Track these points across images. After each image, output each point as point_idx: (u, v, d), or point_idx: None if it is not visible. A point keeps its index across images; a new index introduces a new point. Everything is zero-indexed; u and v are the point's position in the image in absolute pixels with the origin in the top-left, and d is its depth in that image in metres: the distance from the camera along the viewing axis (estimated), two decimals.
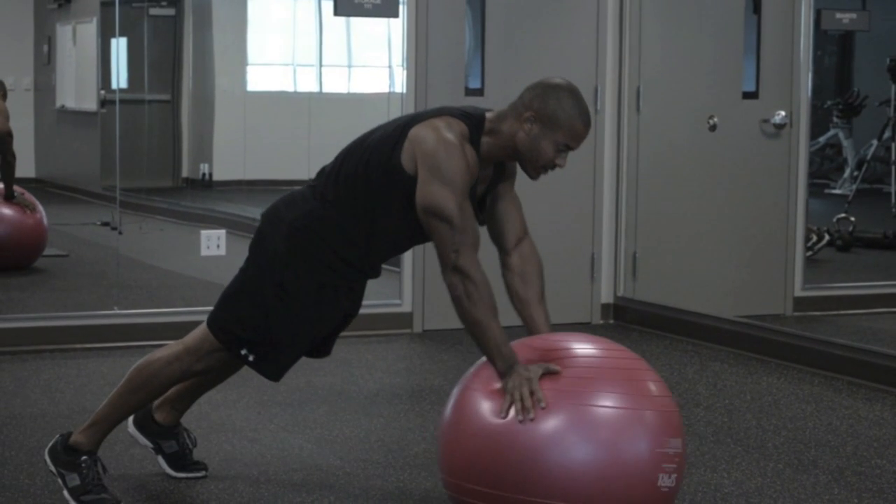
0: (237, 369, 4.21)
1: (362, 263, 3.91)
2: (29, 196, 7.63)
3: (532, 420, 3.45)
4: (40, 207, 7.67)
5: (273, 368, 4.00)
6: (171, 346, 4.04)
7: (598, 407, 3.47)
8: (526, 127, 3.71)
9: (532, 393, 3.48)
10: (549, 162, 3.74)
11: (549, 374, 3.53)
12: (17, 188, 7.57)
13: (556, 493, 3.42)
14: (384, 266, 4.08)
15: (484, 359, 3.67)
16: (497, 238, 3.94)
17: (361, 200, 3.82)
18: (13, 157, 7.50)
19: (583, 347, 3.64)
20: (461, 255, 3.63)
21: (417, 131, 3.73)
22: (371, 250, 3.89)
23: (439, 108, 3.84)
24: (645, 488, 3.47)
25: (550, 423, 3.46)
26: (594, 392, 3.49)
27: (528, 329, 3.87)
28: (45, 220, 7.69)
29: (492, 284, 3.66)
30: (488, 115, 3.80)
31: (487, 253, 3.98)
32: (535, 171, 3.77)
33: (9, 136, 7.43)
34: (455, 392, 3.69)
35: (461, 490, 3.59)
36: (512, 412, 3.48)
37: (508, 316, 3.97)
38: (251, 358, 3.95)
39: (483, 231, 3.91)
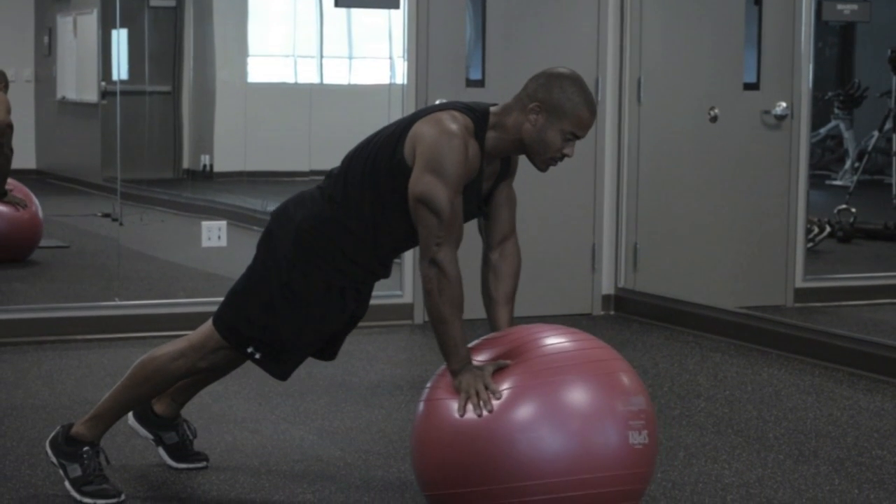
0: (240, 364, 4.21)
1: (371, 263, 3.91)
2: (22, 190, 7.61)
3: (490, 412, 3.49)
4: (35, 200, 7.65)
5: (280, 368, 4.00)
6: (176, 343, 4.04)
7: (555, 379, 3.52)
8: (531, 118, 3.71)
9: (486, 387, 3.52)
10: (556, 152, 3.74)
11: (499, 369, 3.57)
12: (10, 182, 7.54)
13: (528, 475, 3.45)
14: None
15: (439, 370, 3.71)
16: (484, 233, 3.96)
17: (369, 201, 3.82)
18: (10, 150, 7.48)
19: (534, 334, 3.70)
20: (442, 248, 3.64)
21: (420, 125, 3.73)
22: (380, 250, 3.89)
23: (443, 104, 3.84)
24: (618, 449, 3.50)
25: (511, 409, 3.50)
26: (549, 368, 3.55)
27: (490, 326, 3.92)
28: (39, 213, 7.68)
29: (466, 279, 3.70)
30: (492, 109, 3.79)
31: (472, 247, 4.00)
32: (543, 162, 3.77)
33: (9, 128, 7.42)
34: (419, 408, 3.73)
35: (441, 500, 3.61)
36: (470, 408, 3.51)
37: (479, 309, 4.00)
38: (258, 356, 3.95)
39: (471, 225, 3.94)
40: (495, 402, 3.50)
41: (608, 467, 3.48)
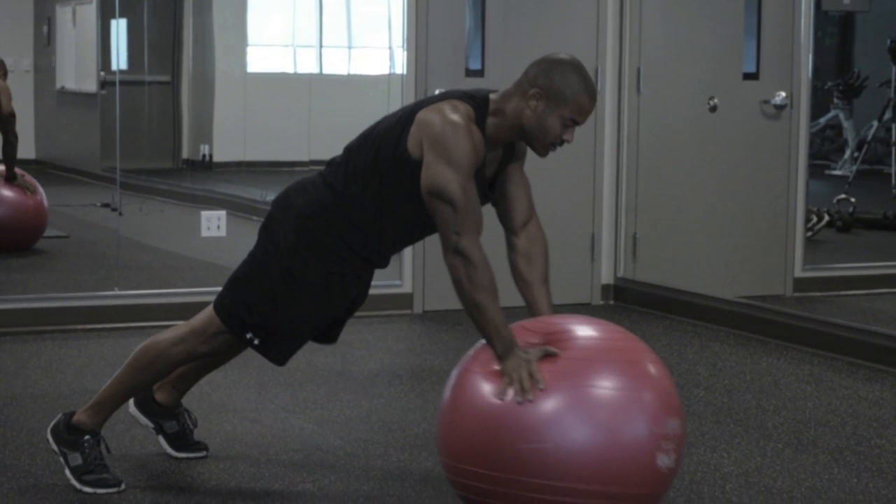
0: (241, 351, 4.21)
1: (370, 253, 3.91)
2: (29, 178, 7.64)
3: (531, 402, 3.46)
4: (41, 189, 7.67)
5: (278, 353, 4.00)
6: (177, 328, 4.04)
7: (596, 388, 3.47)
8: (532, 104, 3.71)
9: (530, 375, 3.48)
10: (556, 138, 3.73)
11: (547, 356, 3.54)
12: (17, 170, 7.58)
13: (553, 474, 3.42)
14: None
15: (482, 341, 3.68)
16: (504, 218, 3.94)
17: (371, 191, 3.81)
18: (15, 137, 7.49)
19: (582, 330, 3.64)
20: (462, 237, 3.62)
21: (423, 115, 3.73)
22: (380, 240, 3.89)
23: (444, 93, 3.84)
24: (643, 468, 3.47)
25: (549, 405, 3.46)
26: (592, 373, 3.49)
27: (530, 310, 3.87)
28: (45, 202, 7.70)
29: (495, 266, 3.67)
30: (492, 96, 3.79)
31: (494, 234, 3.99)
32: (542, 148, 3.77)
33: (12, 116, 7.42)
34: (453, 374, 3.69)
35: (459, 472, 3.60)
36: (510, 394, 3.48)
37: (511, 297, 3.98)
38: (256, 342, 3.95)
39: (491, 212, 3.93)
40: (538, 392, 3.45)
41: (633, 485, 3.46)
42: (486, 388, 3.55)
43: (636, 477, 3.47)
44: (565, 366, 3.51)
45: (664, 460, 3.50)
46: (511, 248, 3.92)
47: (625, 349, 3.61)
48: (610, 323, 3.77)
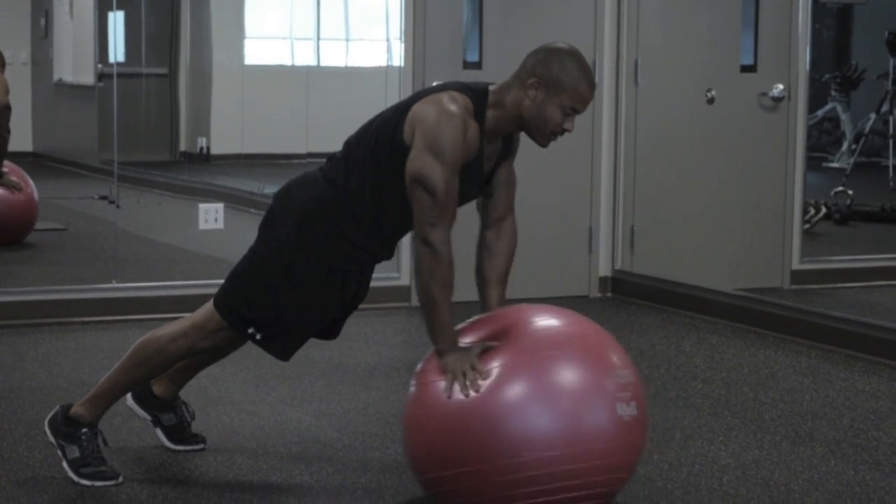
0: (240, 346, 4.21)
1: (373, 246, 3.91)
2: (19, 173, 7.60)
3: (477, 392, 3.50)
4: (31, 183, 7.64)
5: (281, 349, 4.01)
6: (177, 323, 4.04)
7: (541, 356, 3.55)
8: (531, 94, 3.70)
9: (472, 366, 3.53)
10: (557, 127, 3.73)
11: (486, 350, 3.59)
12: (6, 165, 7.54)
13: (519, 451, 3.47)
14: None
15: (429, 352, 3.71)
16: (482, 211, 3.96)
17: (371, 184, 3.81)
18: (8, 132, 7.48)
19: (526, 316, 3.71)
20: (435, 229, 3.64)
21: (419, 106, 3.73)
22: (382, 233, 3.89)
23: (442, 84, 3.84)
24: (606, 421, 3.52)
25: (499, 388, 3.51)
26: (535, 345, 3.58)
27: (481, 306, 3.93)
28: (35, 196, 7.68)
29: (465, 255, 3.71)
30: (491, 88, 3.79)
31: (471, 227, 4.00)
32: (543, 137, 3.76)
33: (7, 109, 7.42)
34: (409, 390, 3.74)
35: (435, 483, 3.63)
36: (457, 388, 3.52)
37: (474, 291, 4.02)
38: (258, 337, 3.95)
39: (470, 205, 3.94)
40: (483, 382, 3.51)
41: (598, 439, 3.51)
42: (436, 395, 3.60)
43: (602, 431, 3.52)
44: (509, 348, 3.58)
45: (625, 409, 3.55)
46: (480, 241, 3.96)
47: (566, 321, 3.71)
48: (554, 307, 3.83)
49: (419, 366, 3.74)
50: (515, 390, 3.51)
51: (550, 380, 3.53)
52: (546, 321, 3.69)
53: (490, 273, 3.92)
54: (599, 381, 3.56)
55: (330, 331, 4.11)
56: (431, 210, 3.64)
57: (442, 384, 3.58)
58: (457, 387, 3.53)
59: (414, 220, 3.69)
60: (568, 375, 3.56)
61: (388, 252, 3.99)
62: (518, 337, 3.61)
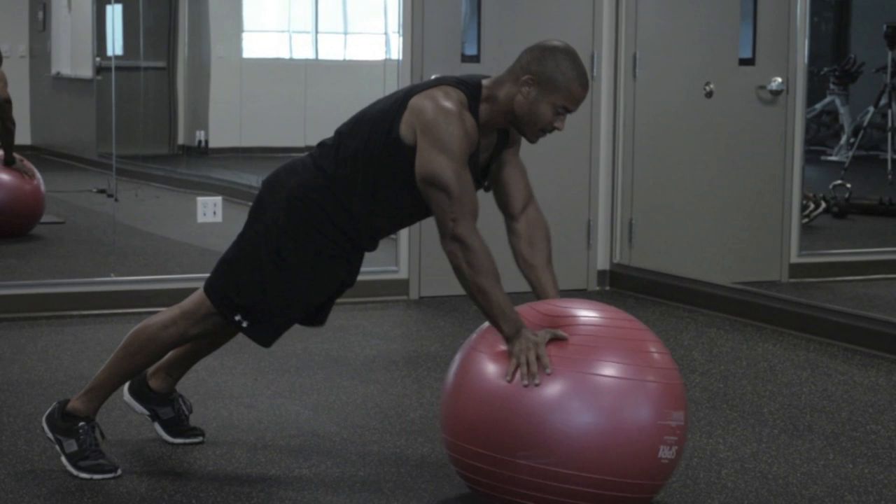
0: (233, 335, 4.22)
1: (359, 236, 3.91)
2: (28, 163, 7.63)
3: (537, 385, 3.46)
4: (38, 174, 7.66)
5: (265, 335, 4.00)
6: (168, 311, 4.05)
7: (602, 376, 3.47)
8: (524, 90, 3.71)
9: (538, 358, 3.49)
10: (547, 125, 3.74)
11: (555, 339, 3.54)
12: (15, 155, 7.57)
13: (554, 460, 3.43)
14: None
15: (485, 324, 3.68)
16: (503, 204, 3.95)
17: (362, 176, 3.81)
18: (13, 123, 7.49)
19: (589, 314, 3.65)
20: (459, 223, 3.63)
21: (416, 102, 3.73)
22: (370, 225, 3.89)
23: (437, 79, 3.84)
24: (645, 459, 3.48)
25: (554, 389, 3.46)
26: (599, 360, 3.49)
27: (536, 293, 3.89)
28: (42, 187, 7.69)
29: (496, 251, 3.68)
30: (485, 82, 3.79)
31: (492, 219, 3.99)
32: (533, 134, 3.77)
33: (8, 102, 7.42)
34: (459, 354, 3.70)
35: (460, 450, 3.61)
36: (517, 376, 3.49)
37: (514, 282, 3.98)
38: (245, 324, 3.96)
39: (488, 198, 3.93)
40: (545, 375, 3.46)
41: (633, 476, 3.47)
42: (492, 369, 3.55)
43: (637, 467, 3.47)
44: (573, 351, 3.51)
45: (666, 452, 3.51)
46: (512, 232, 3.93)
47: (632, 337, 3.61)
48: (616, 308, 3.77)
49: (475, 334, 3.70)
50: (566, 399, 3.45)
51: (604, 406, 3.45)
52: (621, 335, 3.59)
53: (535, 259, 3.90)
54: (652, 419, 3.48)
55: (316, 317, 4.10)
56: (450, 206, 3.63)
57: (491, 365, 3.53)
58: (518, 375, 3.50)
59: (437, 223, 3.67)
60: (624, 404, 3.46)
61: (371, 244, 3.98)
62: (584, 346, 3.52)
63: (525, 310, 3.68)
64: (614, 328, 3.62)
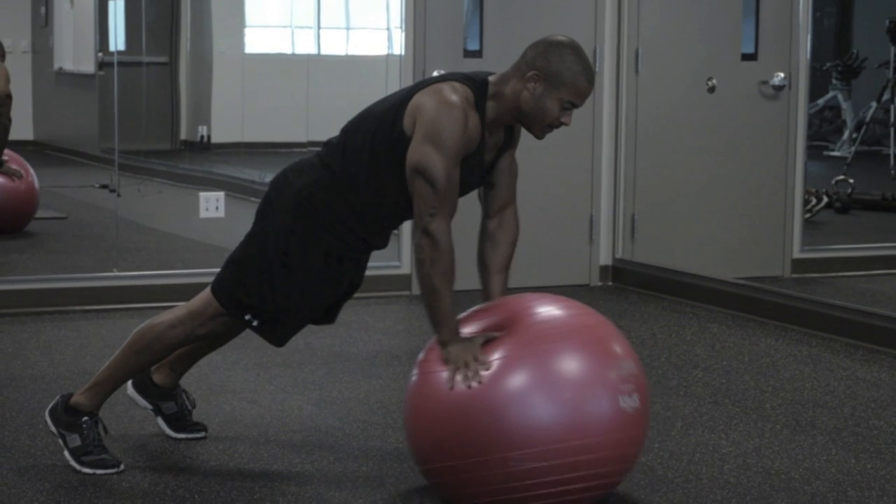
0: (239, 333, 4.22)
1: (368, 234, 3.91)
2: (19, 161, 7.60)
3: (480, 384, 3.50)
4: (31, 171, 7.64)
5: (277, 335, 4.01)
6: (175, 310, 4.04)
7: (544, 348, 3.54)
8: (530, 86, 3.71)
9: (475, 357, 3.53)
10: (554, 120, 3.74)
11: (488, 341, 3.59)
12: (6, 153, 7.54)
13: (522, 443, 3.47)
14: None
15: (430, 342, 3.72)
16: (484, 201, 3.97)
17: (367, 172, 3.81)
18: (9, 120, 7.48)
19: (530, 305, 3.70)
20: (436, 219, 3.65)
21: (420, 97, 3.73)
22: (376, 221, 3.89)
23: (443, 75, 3.84)
24: (609, 413, 3.52)
25: (502, 379, 3.51)
26: (538, 337, 3.56)
27: (483, 294, 3.94)
28: (36, 184, 7.68)
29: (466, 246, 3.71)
30: (491, 78, 3.79)
31: (471, 217, 4.00)
32: (540, 130, 3.77)
33: (8, 98, 7.41)
34: (410, 380, 3.74)
35: (437, 472, 3.64)
36: (458, 379, 3.52)
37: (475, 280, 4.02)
38: (255, 323, 3.96)
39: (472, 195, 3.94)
40: (485, 373, 3.51)
41: (601, 432, 3.51)
42: (440, 384, 3.60)
43: (603, 423, 3.52)
44: (512, 338, 3.57)
45: (627, 401, 3.55)
46: (482, 230, 3.97)
47: (569, 312, 3.70)
48: (556, 296, 3.83)
49: (421, 355, 3.74)
50: (517, 382, 3.51)
51: (552, 372, 3.53)
52: (548, 311, 3.68)
53: (492, 262, 3.93)
54: (602, 372, 3.56)
55: (326, 316, 4.11)
56: (432, 200, 3.64)
57: (444, 374, 3.58)
58: (459, 378, 3.53)
59: (414, 211, 3.69)
60: (570, 367, 3.55)
61: (382, 240, 3.99)
62: (520, 327, 3.61)
63: (472, 312, 3.77)
64: (551, 308, 3.69)
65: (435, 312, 3.66)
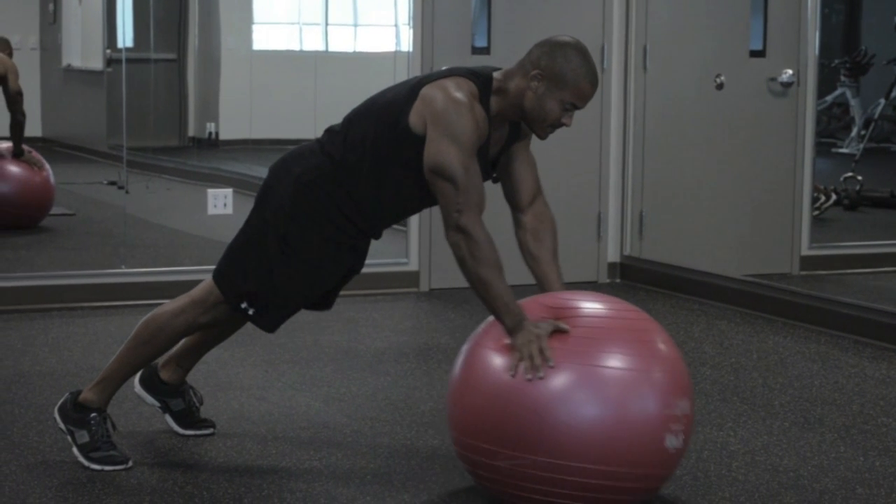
0: (242, 325, 4.22)
1: (366, 223, 3.91)
2: (36, 154, 7.64)
3: (541, 379, 3.46)
4: (47, 166, 7.67)
5: (269, 320, 4.00)
6: (178, 300, 4.06)
7: (606, 367, 3.47)
8: (533, 85, 3.71)
9: (541, 351, 3.48)
10: (555, 121, 3.73)
11: (558, 331, 3.53)
12: (24, 146, 7.58)
13: (561, 453, 3.43)
14: (393, 226, 4.09)
15: (490, 318, 3.68)
16: (511, 197, 3.94)
17: (369, 163, 3.81)
18: (23, 115, 7.50)
19: (593, 306, 3.64)
20: (464, 214, 3.62)
21: (427, 91, 3.73)
22: (376, 211, 3.89)
23: (448, 69, 3.83)
24: (652, 448, 3.48)
25: (558, 382, 3.46)
26: (602, 351, 3.49)
27: (540, 286, 3.88)
28: (52, 179, 7.70)
29: (502, 244, 3.67)
30: (496, 74, 3.79)
31: (501, 212, 3.99)
32: (542, 129, 3.77)
33: (19, 94, 7.43)
34: (464, 349, 3.70)
35: (467, 447, 3.61)
36: (521, 369, 3.49)
37: (519, 275, 3.98)
38: (251, 311, 3.96)
39: (496, 190, 3.93)
40: (549, 369, 3.45)
41: (639, 465, 3.46)
42: (497, 364, 3.55)
43: (644, 457, 3.47)
44: (576, 343, 3.50)
45: (672, 441, 3.50)
46: (518, 225, 3.92)
47: (636, 328, 3.61)
48: (621, 300, 3.77)
49: (480, 327, 3.70)
50: (572, 393, 3.45)
51: (608, 396, 3.45)
52: (625, 325, 3.58)
53: (541, 253, 3.89)
54: (658, 408, 3.47)
55: (322, 303, 4.10)
56: (455, 197, 3.63)
57: (496, 359, 3.52)
58: (522, 369, 3.49)
59: (442, 213, 3.67)
60: (627, 396, 3.46)
61: (377, 232, 3.98)
62: (590, 337, 3.52)
63: (528, 303, 3.68)
64: (618, 319, 3.61)
65: (493, 303, 3.60)
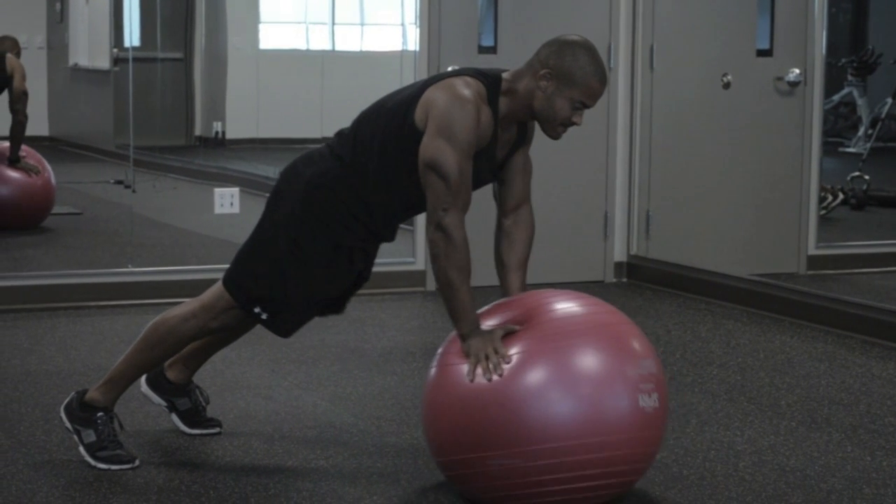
0: (251, 328, 4.22)
1: (377, 225, 3.91)
2: (36, 157, 7.62)
3: (500, 377, 3.50)
4: (48, 166, 7.66)
5: (284, 326, 4.01)
6: (188, 304, 4.05)
7: (563, 345, 3.53)
8: (542, 84, 3.71)
9: (496, 350, 3.53)
10: (565, 120, 3.74)
11: (509, 333, 3.59)
12: (23, 149, 7.56)
13: (539, 439, 3.47)
14: (400, 226, 4.10)
15: (450, 335, 3.72)
16: (499, 198, 3.97)
17: (377, 165, 3.82)
18: (25, 117, 7.49)
19: (550, 301, 3.70)
20: (449, 213, 3.65)
21: (432, 91, 3.73)
22: (384, 213, 3.89)
23: (457, 70, 3.84)
24: (628, 412, 3.52)
25: (521, 374, 3.51)
26: (556, 335, 3.56)
27: (502, 292, 3.94)
28: (52, 180, 7.70)
29: (482, 245, 3.71)
30: (504, 75, 3.79)
31: (487, 214, 3.99)
32: (553, 129, 3.77)
33: (24, 94, 7.43)
34: (429, 373, 3.74)
35: (452, 465, 3.64)
36: (479, 372, 3.52)
37: (492, 276, 4.02)
38: (264, 316, 3.96)
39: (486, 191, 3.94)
40: (505, 367, 3.52)
41: (619, 430, 3.51)
42: (460, 377, 3.60)
43: (622, 422, 3.52)
44: (532, 334, 3.57)
45: (646, 401, 3.55)
46: (498, 227, 3.97)
47: (592, 312, 3.69)
48: (577, 292, 3.82)
49: (440, 348, 3.74)
50: (536, 377, 3.51)
51: (572, 368, 3.53)
52: (568, 307, 3.67)
53: (510, 259, 3.93)
54: (622, 370, 3.55)
55: (335, 307, 4.11)
56: (445, 195, 3.65)
57: (464, 368, 3.58)
58: (479, 370, 3.53)
59: (427, 206, 3.70)
60: (590, 364, 3.55)
61: (390, 233, 4.00)
62: (540, 323, 3.60)
63: (493, 306, 3.76)
64: (573, 307, 3.68)
65: (453, 306, 3.67)
